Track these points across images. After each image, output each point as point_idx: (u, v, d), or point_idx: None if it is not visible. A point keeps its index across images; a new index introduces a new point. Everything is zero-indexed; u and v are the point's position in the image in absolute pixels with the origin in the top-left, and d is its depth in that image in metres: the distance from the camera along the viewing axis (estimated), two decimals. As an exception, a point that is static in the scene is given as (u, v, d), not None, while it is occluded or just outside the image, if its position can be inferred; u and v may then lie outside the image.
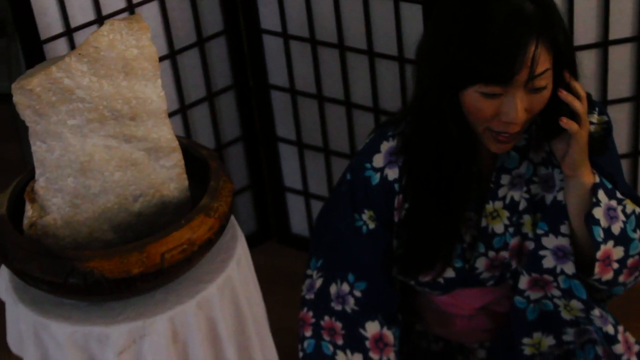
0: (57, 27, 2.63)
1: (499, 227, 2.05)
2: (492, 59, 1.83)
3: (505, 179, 2.04)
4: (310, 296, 2.13)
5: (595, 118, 2.02)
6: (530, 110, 1.89)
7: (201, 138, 2.99)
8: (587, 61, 2.69)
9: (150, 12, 2.76)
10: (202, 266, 2.19)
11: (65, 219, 2.14)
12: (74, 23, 2.65)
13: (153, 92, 2.11)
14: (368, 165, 2.07)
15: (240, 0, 2.91)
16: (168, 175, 2.18)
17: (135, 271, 2.03)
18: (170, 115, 2.85)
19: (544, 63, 1.85)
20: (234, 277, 2.22)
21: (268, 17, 2.90)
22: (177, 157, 2.17)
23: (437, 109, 1.93)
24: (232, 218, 2.30)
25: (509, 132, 1.90)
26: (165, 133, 2.14)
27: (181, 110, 2.93)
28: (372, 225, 2.07)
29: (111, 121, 2.09)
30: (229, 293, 2.21)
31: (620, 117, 2.77)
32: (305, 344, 2.13)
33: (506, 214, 2.05)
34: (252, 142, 3.13)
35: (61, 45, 2.64)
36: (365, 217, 2.07)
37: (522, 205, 2.04)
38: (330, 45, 2.83)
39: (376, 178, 2.06)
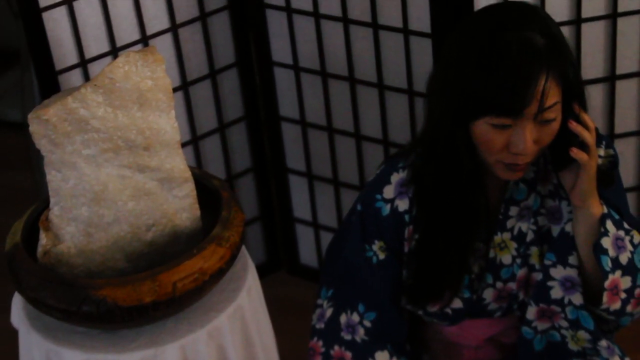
0: (72, 58, 2.66)
1: (506, 258, 2.07)
2: (503, 92, 1.85)
3: (513, 210, 2.06)
4: (320, 325, 2.15)
5: (602, 151, 2.04)
6: (539, 142, 1.92)
7: (212, 169, 3.01)
8: (594, 95, 2.71)
9: (163, 44, 2.80)
10: (213, 295, 2.21)
11: (79, 248, 2.16)
12: (88, 54, 2.68)
13: (167, 123, 2.14)
14: (379, 196, 2.09)
15: (252, 33, 2.94)
16: (180, 205, 2.20)
17: (147, 300, 2.05)
18: (182, 145, 2.87)
19: (553, 96, 1.88)
20: (244, 306, 2.24)
21: (279, 50, 2.93)
22: (190, 187, 2.20)
23: (448, 140, 1.95)
24: (243, 248, 2.32)
25: (519, 163, 1.93)
26: (178, 163, 2.17)
27: (193, 141, 2.96)
28: (382, 256, 2.09)
29: (125, 151, 2.12)
30: (240, 322, 2.23)
31: (627, 150, 2.79)
32: None
33: (514, 245, 2.07)
34: (263, 173, 3.15)
35: (75, 76, 2.68)
36: (375, 247, 2.09)
37: (530, 236, 2.06)
38: (341, 77, 2.86)
39: (387, 209, 2.08)
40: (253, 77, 3.02)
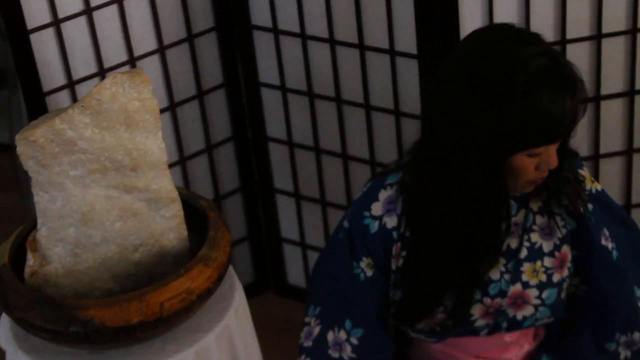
0: (60, 80, 2.67)
1: (495, 274, 2.09)
2: (545, 126, 1.88)
3: (502, 226, 2.08)
4: (308, 343, 2.16)
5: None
6: None
7: (200, 189, 3.02)
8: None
9: (151, 65, 2.81)
10: (201, 315, 2.22)
11: (67, 268, 2.16)
12: (75, 76, 2.69)
13: (154, 144, 2.14)
14: (367, 213, 2.10)
15: (239, 54, 2.96)
16: (168, 226, 2.21)
17: (134, 320, 2.06)
18: (170, 166, 2.88)
19: None
20: (231, 326, 2.24)
21: (266, 71, 2.94)
22: (177, 208, 2.21)
23: (479, 175, 1.94)
24: (230, 268, 2.32)
25: (544, 177, 1.98)
26: (165, 184, 2.18)
27: (181, 162, 2.97)
28: (369, 273, 2.10)
29: (112, 172, 2.13)
30: (227, 342, 2.24)
31: (612, 170, 2.81)
32: None
33: (502, 261, 2.08)
34: (250, 193, 3.16)
35: (63, 97, 2.68)
36: (363, 264, 2.10)
37: (524, 253, 2.08)
38: (328, 98, 2.87)
39: (375, 226, 2.09)
40: (240, 98, 3.03)
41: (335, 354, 2.12)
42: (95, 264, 2.18)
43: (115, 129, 2.11)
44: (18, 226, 2.30)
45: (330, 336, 2.12)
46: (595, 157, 2.78)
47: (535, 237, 2.08)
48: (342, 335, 2.11)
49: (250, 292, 3.14)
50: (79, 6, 2.64)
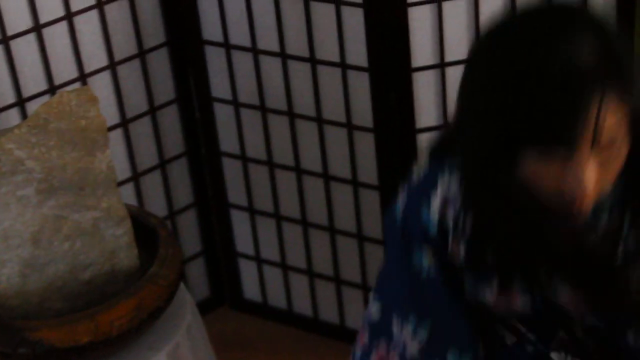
0: (9, 97, 2.65)
1: None
2: (547, 117, 1.51)
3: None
4: None
5: None
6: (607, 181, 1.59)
7: (154, 205, 3.01)
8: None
9: (102, 81, 2.80)
10: (152, 334, 2.21)
11: (15, 289, 2.15)
12: (26, 93, 2.67)
13: (102, 162, 2.14)
14: (425, 210, 1.78)
15: (191, 69, 2.95)
16: (118, 244, 2.20)
17: (84, 340, 2.05)
18: (122, 183, 2.88)
19: (613, 126, 1.52)
20: (183, 344, 2.24)
21: (219, 86, 2.94)
22: (127, 226, 2.20)
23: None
24: (182, 285, 2.32)
25: (580, 211, 1.58)
26: (114, 202, 2.17)
27: (133, 178, 2.96)
28: (433, 270, 1.80)
29: (61, 191, 2.12)
30: (179, 360, 2.23)
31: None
32: None
33: None
34: (205, 208, 3.16)
35: (13, 115, 2.67)
36: (425, 261, 1.81)
37: None
38: (280, 112, 2.87)
39: (433, 222, 1.78)
40: (193, 113, 3.02)
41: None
42: (45, 285, 2.16)
43: (63, 147, 2.10)
44: (-32, 246, 2.28)
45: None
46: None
47: None
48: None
49: (206, 307, 3.13)
50: (27, 23, 2.62)
